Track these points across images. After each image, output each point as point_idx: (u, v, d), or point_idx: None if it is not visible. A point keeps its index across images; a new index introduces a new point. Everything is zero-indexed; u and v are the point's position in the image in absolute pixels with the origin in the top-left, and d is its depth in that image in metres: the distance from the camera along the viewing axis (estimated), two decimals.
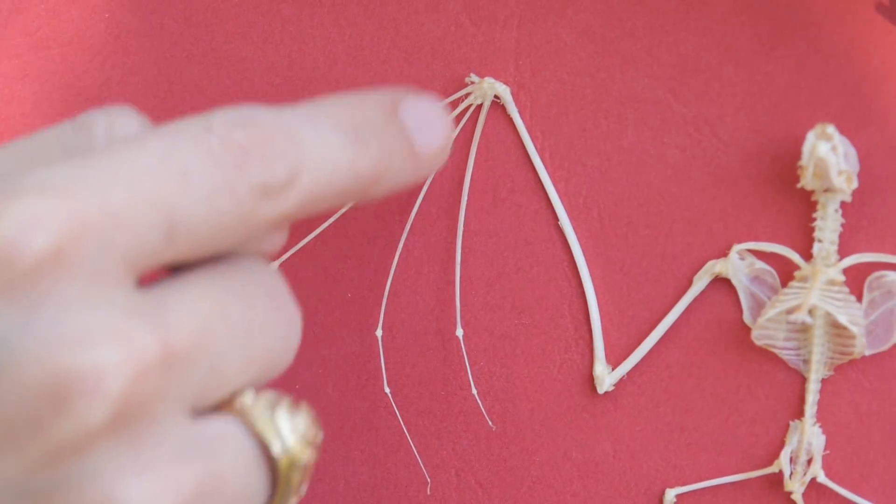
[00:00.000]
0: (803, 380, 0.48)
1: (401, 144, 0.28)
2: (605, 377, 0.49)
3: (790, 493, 0.48)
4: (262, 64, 0.51)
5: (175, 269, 0.28)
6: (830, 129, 0.45)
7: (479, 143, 0.50)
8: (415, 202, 0.50)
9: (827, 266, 0.47)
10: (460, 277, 0.50)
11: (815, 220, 0.47)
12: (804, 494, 0.48)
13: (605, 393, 0.49)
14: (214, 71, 0.51)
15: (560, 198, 0.50)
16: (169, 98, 0.51)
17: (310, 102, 0.28)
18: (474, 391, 0.50)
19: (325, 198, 0.27)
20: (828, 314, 0.47)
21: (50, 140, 0.28)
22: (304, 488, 0.29)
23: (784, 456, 0.48)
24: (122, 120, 0.28)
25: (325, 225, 0.50)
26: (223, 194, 0.26)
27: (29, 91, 0.52)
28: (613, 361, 0.49)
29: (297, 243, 0.50)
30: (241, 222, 0.27)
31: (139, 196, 0.25)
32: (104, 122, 0.28)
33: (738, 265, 0.48)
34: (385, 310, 0.50)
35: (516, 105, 0.50)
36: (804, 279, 0.47)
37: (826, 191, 0.47)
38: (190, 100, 0.51)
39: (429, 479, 0.50)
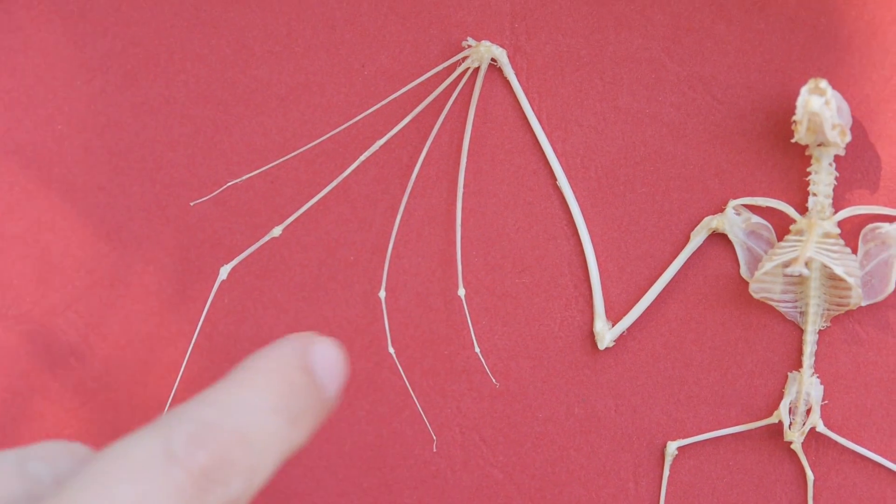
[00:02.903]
0: (801, 331, 0.49)
1: (320, 403, 0.30)
2: (606, 333, 0.50)
3: (790, 442, 0.49)
4: (261, 31, 0.52)
5: None
6: (823, 83, 0.45)
7: (476, 106, 0.50)
8: (414, 166, 0.51)
9: (822, 219, 0.47)
10: (461, 238, 0.50)
11: (809, 174, 0.48)
12: (803, 444, 0.49)
13: (606, 349, 0.50)
14: (215, 39, 0.52)
15: (558, 158, 0.50)
16: (170, 66, 0.52)
17: (245, 377, 0.29)
18: (477, 350, 0.50)
19: (270, 474, 0.29)
20: (824, 266, 0.47)
21: None
22: None
23: (783, 407, 0.49)
24: (61, 457, 0.29)
25: (327, 190, 0.50)
26: None
27: (30, 63, 0.52)
28: (613, 318, 0.50)
29: (298, 209, 0.51)
30: None
31: None
32: (45, 462, 0.28)
33: (734, 220, 0.49)
34: (387, 272, 0.51)
35: (513, 67, 0.50)
36: (800, 232, 0.48)
37: (820, 145, 0.47)
38: (191, 68, 0.52)
39: (434, 437, 0.51)
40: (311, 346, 0.30)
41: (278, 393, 0.29)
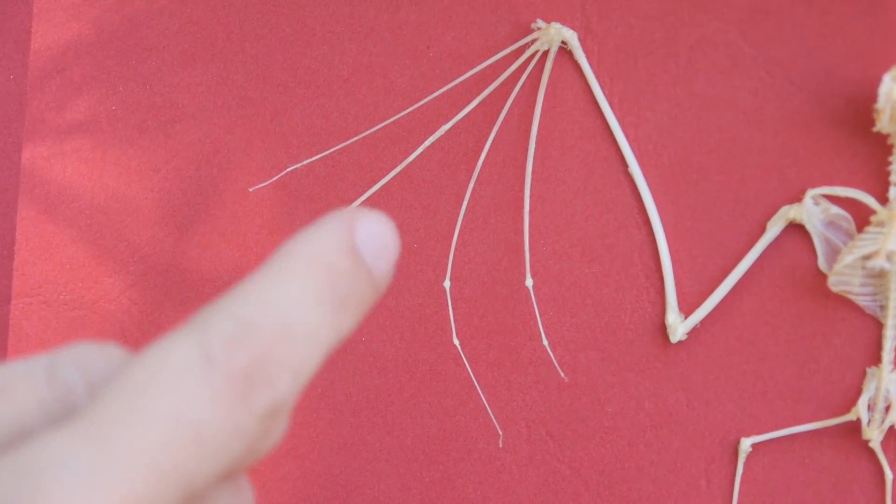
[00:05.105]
0: (880, 326, 0.47)
1: (369, 286, 0.27)
2: (678, 326, 0.48)
3: (868, 440, 0.47)
4: (322, 10, 0.50)
5: None
6: None
7: (546, 90, 0.49)
8: (481, 151, 0.49)
9: None
10: (529, 227, 0.49)
11: (890, 163, 0.46)
12: (882, 442, 0.47)
13: (678, 342, 0.49)
14: (274, 18, 0.50)
15: (629, 144, 0.49)
16: (228, 46, 0.50)
17: (284, 265, 0.26)
18: (545, 342, 0.49)
19: (318, 366, 0.27)
20: None
21: (23, 394, 0.26)
22: None
23: (861, 403, 0.47)
24: (93, 362, 0.27)
25: (391, 176, 0.49)
26: (235, 438, 0.25)
27: (84, 42, 0.51)
28: (686, 310, 0.48)
29: (360, 195, 0.49)
30: (248, 446, 0.26)
31: (161, 476, 0.24)
32: (76, 369, 0.27)
33: (812, 210, 0.47)
34: (453, 261, 0.49)
35: (584, 50, 0.49)
36: (881, 224, 0.46)
37: None
38: (250, 48, 0.50)
39: (500, 432, 0.49)
40: (356, 223, 0.27)
41: (321, 280, 0.26)
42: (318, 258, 0.27)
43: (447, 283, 0.49)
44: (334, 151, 0.50)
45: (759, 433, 0.48)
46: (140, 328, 0.51)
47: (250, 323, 0.25)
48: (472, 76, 0.49)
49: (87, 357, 0.27)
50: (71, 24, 0.51)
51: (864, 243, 0.46)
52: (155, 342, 0.25)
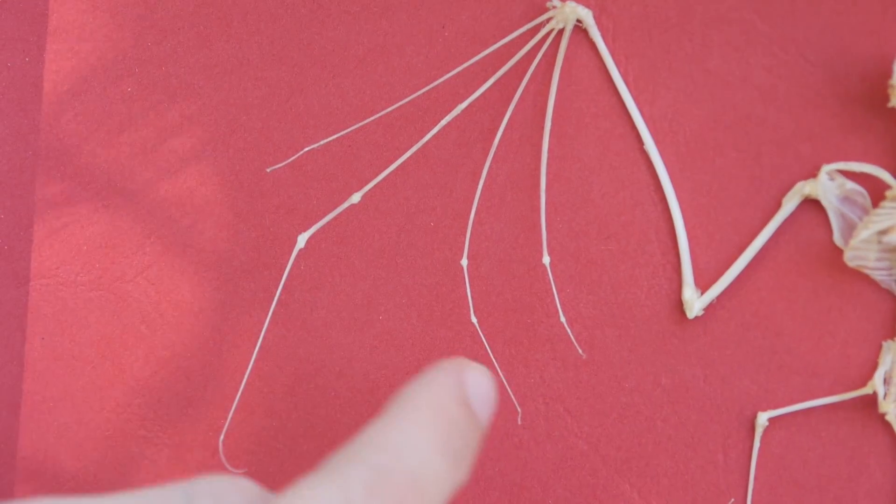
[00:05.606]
0: (895, 300, 0.48)
1: (477, 435, 0.30)
2: (695, 302, 0.49)
3: (884, 413, 0.47)
4: None
5: None
6: None
7: (561, 69, 0.49)
8: (497, 129, 0.49)
9: None
10: (545, 204, 0.49)
11: None
12: None
13: (695, 318, 0.49)
14: None
15: (645, 122, 0.49)
16: (244, 27, 0.51)
17: (408, 413, 0.28)
18: (562, 319, 0.49)
19: None
20: None
21: None
22: None
23: (877, 377, 0.47)
24: (229, 496, 0.28)
25: (407, 155, 0.49)
26: None
27: (99, 23, 0.51)
28: (702, 286, 0.49)
29: (377, 174, 0.49)
30: None
31: None
32: (213, 499, 0.27)
33: (827, 186, 0.48)
34: (470, 238, 0.50)
35: (599, 29, 0.49)
36: None
37: None
38: (266, 29, 0.50)
39: (519, 409, 0.50)
40: (466, 374, 0.30)
41: (442, 431, 0.28)
42: (439, 408, 0.28)
43: (464, 261, 0.49)
44: (351, 131, 0.50)
45: (775, 407, 0.48)
46: (157, 308, 0.51)
47: (386, 473, 0.27)
48: (488, 55, 0.49)
49: (223, 490, 0.28)
50: (87, 6, 0.51)
51: (880, 218, 0.46)
52: (294, 484, 0.26)
